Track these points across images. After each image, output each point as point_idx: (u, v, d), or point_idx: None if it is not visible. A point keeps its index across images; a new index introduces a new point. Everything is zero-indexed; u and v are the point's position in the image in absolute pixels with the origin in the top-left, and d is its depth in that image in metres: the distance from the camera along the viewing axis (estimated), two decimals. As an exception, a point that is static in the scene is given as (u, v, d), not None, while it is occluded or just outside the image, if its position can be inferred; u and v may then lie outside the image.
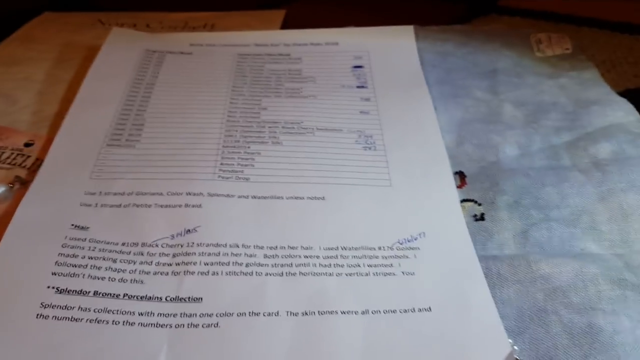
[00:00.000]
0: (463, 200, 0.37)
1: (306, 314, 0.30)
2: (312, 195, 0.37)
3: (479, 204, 0.37)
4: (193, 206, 0.35)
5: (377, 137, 0.42)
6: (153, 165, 0.39)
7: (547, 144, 0.41)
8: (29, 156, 0.40)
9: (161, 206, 0.35)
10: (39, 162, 0.39)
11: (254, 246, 0.33)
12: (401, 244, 0.34)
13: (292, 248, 0.33)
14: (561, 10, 0.58)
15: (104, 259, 0.32)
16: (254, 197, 0.36)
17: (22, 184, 0.38)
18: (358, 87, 0.47)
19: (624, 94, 0.46)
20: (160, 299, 0.30)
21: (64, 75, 0.50)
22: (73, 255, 0.32)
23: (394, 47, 0.51)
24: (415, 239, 0.34)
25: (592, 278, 0.31)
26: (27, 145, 0.41)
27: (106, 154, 0.39)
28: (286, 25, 0.59)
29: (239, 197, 0.36)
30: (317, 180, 0.38)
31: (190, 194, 0.36)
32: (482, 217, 0.36)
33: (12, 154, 0.40)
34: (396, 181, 0.38)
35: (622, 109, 0.43)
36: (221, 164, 0.39)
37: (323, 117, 0.43)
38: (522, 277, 0.32)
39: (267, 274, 0.32)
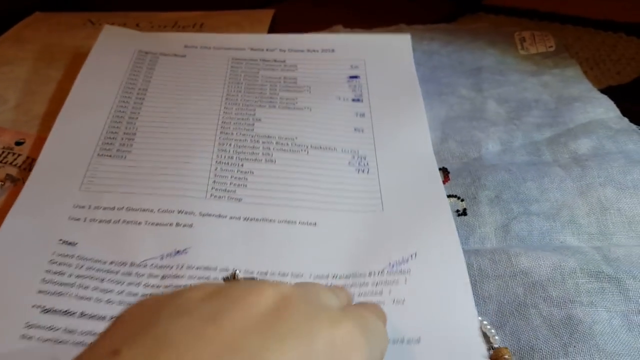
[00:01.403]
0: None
1: None
2: (305, 220, 0.36)
3: (462, 200, 0.38)
4: (184, 225, 0.35)
5: (371, 158, 0.41)
6: (144, 179, 0.38)
7: (528, 140, 0.42)
8: (19, 154, 0.41)
9: (151, 224, 0.34)
10: (29, 161, 0.40)
11: (244, 271, 0.33)
12: (392, 267, 0.33)
13: (283, 275, 0.33)
14: (546, 9, 0.59)
15: (91, 277, 0.31)
16: (246, 219, 0.36)
17: (12, 182, 0.38)
18: (354, 100, 0.45)
19: (606, 90, 0.47)
20: None
21: (55, 75, 0.50)
22: (60, 272, 0.32)
23: (391, 57, 0.50)
24: (407, 261, 0.33)
25: (570, 272, 0.32)
26: (17, 143, 0.42)
27: (96, 165, 0.38)
28: (275, 24, 0.59)
29: (231, 218, 0.35)
30: (309, 205, 0.37)
31: (181, 212, 0.35)
32: (464, 212, 0.37)
33: (3, 152, 0.41)
34: (388, 205, 0.37)
35: (602, 106, 0.44)
36: (214, 181, 0.38)
37: (317, 133, 0.42)
38: (502, 272, 0.33)
39: None
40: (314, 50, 0.50)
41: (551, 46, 0.53)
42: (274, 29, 0.58)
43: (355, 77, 0.48)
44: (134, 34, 0.52)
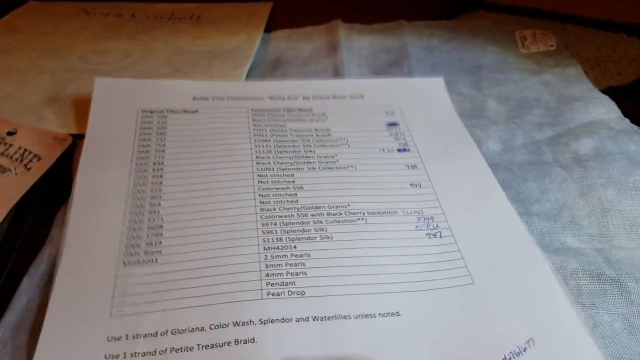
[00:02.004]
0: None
1: None
2: (385, 310, 0.30)
3: (462, 198, 0.37)
4: (245, 342, 0.28)
5: (439, 218, 0.35)
6: (184, 286, 0.31)
7: (529, 140, 0.42)
8: (11, 145, 0.40)
9: (206, 347, 0.28)
10: (21, 151, 0.39)
11: None
12: None
13: None
14: (547, 7, 0.59)
15: None
16: (315, 318, 0.29)
17: (3, 172, 0.37)
18: (399, 150, 0.40)
19: (606, 91, 0.46)
20: None
21: (49, 65, 0.49)
22: None
23: (427, 100, 0.45)
24: (525, 350, 0.28)
25: (572, 272, 0.32)
26: (9, 134, 0.41)
27: (125, 278, 0.31)
28: (273, 18, 0.58)
29: (297, 320, 0.29)
30: (385, 289, 0.31)
31: (238, 324, 0.29)
32: (464, 211, 0.36)
33: (-6, 143, 0.40)
34: (478, 277, 0.32)
35: (604, 106, 0.44)
36: (267, 274, 0.31)
37: (371, 195, 0.36)
38: (503, 270, 0.32)
39: None
40: (341, 97, 0.45)
41: (552, 45, 0.52)
42: (271, 22, 0.58)
43: (394, 124, 0.42)
44: (130, 85, 0.44)
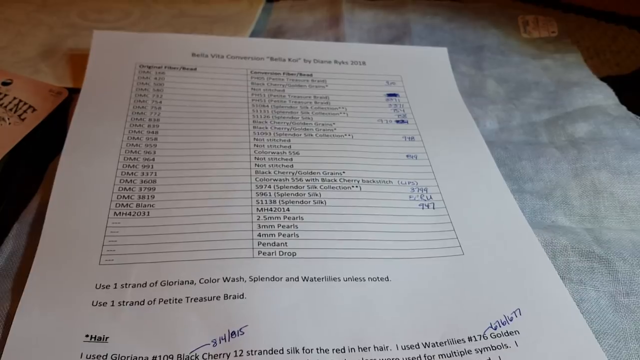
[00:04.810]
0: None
1: None
2: (374, 275, 0.30)
3: (457, 173, 0.37)
4: (234, 297, 0.28)
5: (433, 190, 0.35)
6: (176, 240, 0.31)
7: (526, 121, 0.42)
8: (6, 94, 0.39)
9: (195, 300, 0.28)
10: (16, 101, 0.39)
11: (318, 349, 0.26)
12: (495, 329, 0.28)
13: (364, 350, 0.27)
14: (549, -5, 0.58)
15: None
16: (305, 279, 0.29)
17: (-3, 121, 0.37)
18: (398, 122, 0.40)
19: (604, 80, 0.46)
20: None
21: (47, 20, 0.49)
22: None
23: (428, 72, 0.45)
24: (511, 320, 0.28)
25: (562, 249, 0.32)
26: (4, 83, 0.40)
27: (115, 229, 0.31)
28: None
29: (287, 280, 0.29)
30: (375, 254, 0.31)
31: (228, 279, 0.29)
32: (458, 186, 0.37)
33: (-11, 91, 0.39)
34: (468, 248, 0.32)
35: (602, 92, 0.44)
36: (259, 234, 0.31)
37: (366, 164, 0.36)
38: (493, 244, 0.33)
39: None
40: (342, 62, 0.44)
41: (554, 32, 0.52)
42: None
43: (394, 94, 0.42)
44: (129, 39, 0.44)
